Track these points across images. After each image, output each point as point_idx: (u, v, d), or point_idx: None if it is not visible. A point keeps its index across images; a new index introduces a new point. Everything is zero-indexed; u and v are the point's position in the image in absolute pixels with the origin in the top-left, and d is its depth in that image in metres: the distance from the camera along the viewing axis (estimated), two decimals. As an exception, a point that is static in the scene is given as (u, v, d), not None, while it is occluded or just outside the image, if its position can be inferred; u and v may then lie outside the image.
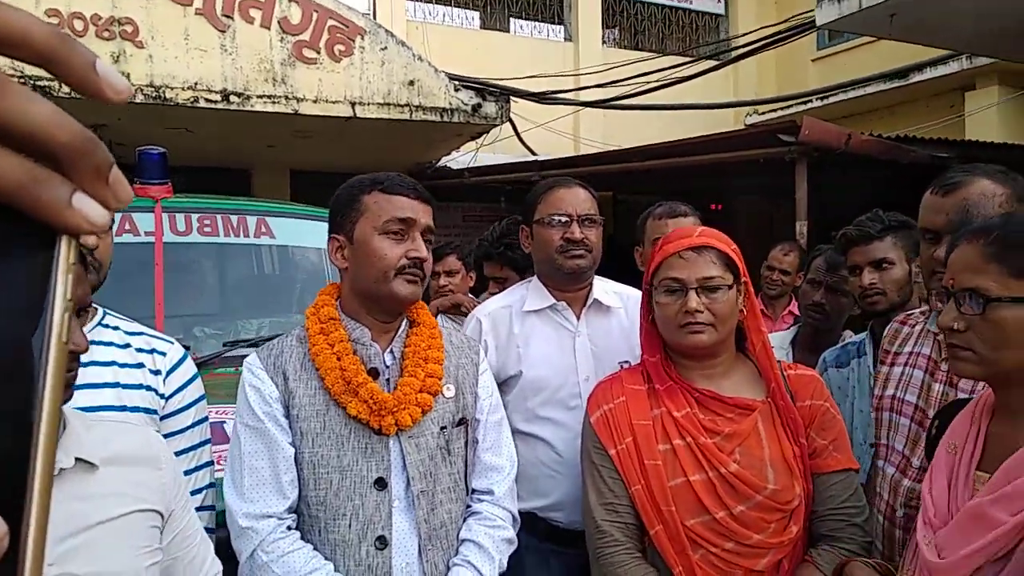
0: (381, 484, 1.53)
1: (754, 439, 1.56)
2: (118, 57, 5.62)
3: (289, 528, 1.53)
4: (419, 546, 1.54)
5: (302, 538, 1.54)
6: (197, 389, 1.62)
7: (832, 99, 8.86)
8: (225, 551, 1.49)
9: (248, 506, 1.51)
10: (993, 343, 1.20)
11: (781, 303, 3.81)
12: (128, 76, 5.63)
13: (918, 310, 1.93)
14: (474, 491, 1.68)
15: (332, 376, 1.54)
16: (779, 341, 2.82)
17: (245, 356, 2.84)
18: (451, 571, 1.56)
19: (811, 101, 9.02)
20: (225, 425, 2.19)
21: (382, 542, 1.52)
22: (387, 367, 1.60)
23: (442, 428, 1.60)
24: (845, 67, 9.24)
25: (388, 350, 1.62)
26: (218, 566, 1.41)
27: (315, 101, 6.31)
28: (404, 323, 1.67)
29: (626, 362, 1.97)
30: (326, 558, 1.52)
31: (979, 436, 1.27)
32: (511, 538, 1.66)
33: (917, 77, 8.27)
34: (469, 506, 1.67)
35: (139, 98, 5.69)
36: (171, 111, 5.92)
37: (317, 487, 1.53)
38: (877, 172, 5.92)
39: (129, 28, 5.60)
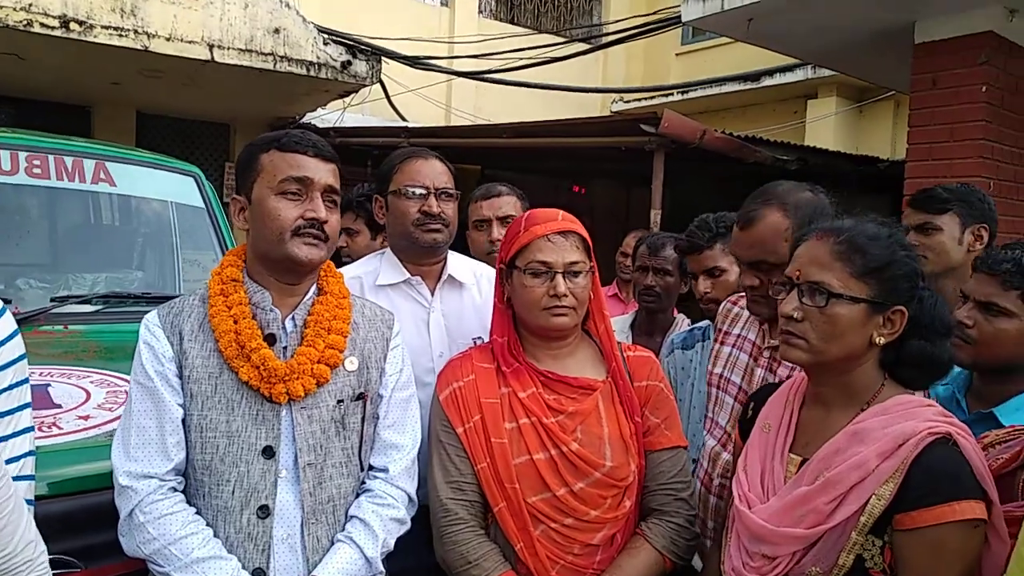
0: (269, 453, 1.50)
1: (594, 418, 1.64)
2: (-65, -35, 4.96)
3: (173, 490, 1.50)
4: (302, 519, 1.51)
5: (188, 502, 1.51)
6: (16, 347, 1.47)
7: (691, 94, 9.31)
8: (47, 526, 1.39)
9: (131, 464, 1.48)
10: (825, 335, 1.31)
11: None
12: (-53, -12, 4.99)
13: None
14: (370, 468, 1.64)
15: (226, 339, 1.51)
16: (620, 325, 2.98)
17: (76, 313, 2.68)
18: (333, 547, 1.54)
19: (673, 94, 9.44)
20: (50, 388, 2.04)
21: (264, 511, 1.49)
22: (287, 334, 1.56)
23: (339, 401, 1.56)
24: (705, 64, 9.72)
25: (290, 316, 1.58)
26: (32, 535, 1.32)
27: (168, 39, 5.87)
28: (312, 290, 1.62)
29: (479, 338, 2.00)
30: (208, 523, 1.49)
31: (791, 420, 1.41)
32: (401, 518, 1.62)
33: (767, 81, 8.86)
34: (363, 483, 1.63)
35: (-41, 15, 5.06)
36: (0, 33, 5.30)
37: (204, 451, 1.50)
38: (725, 167, 6.30)
39: (-50, -67, 4.96)
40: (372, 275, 2.02)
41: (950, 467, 1.21)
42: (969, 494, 1.19)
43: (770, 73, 8.73)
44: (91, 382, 2.14)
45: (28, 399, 1.51)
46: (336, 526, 1.57)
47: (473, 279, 2.11)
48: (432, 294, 2.03)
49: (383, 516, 1.58)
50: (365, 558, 1.54)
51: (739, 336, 1.97)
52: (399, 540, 1.65)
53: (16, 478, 1.41)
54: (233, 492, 1.49)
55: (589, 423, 1.63)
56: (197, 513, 1.50)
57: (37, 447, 1.53)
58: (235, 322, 1.52)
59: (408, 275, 2.01)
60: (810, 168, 6.24)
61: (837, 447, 1.29)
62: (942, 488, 1.19)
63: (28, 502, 1.44)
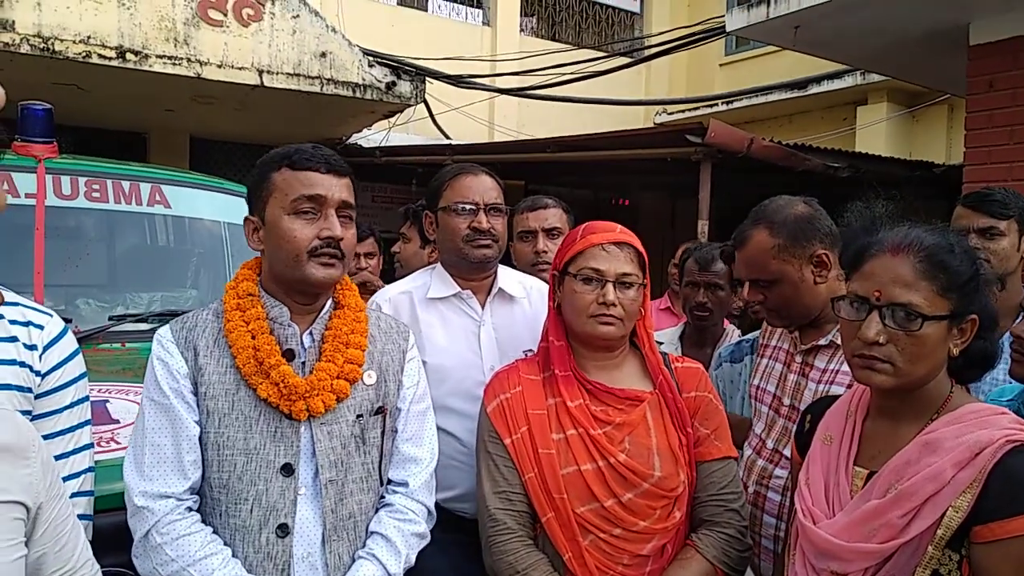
0: (288, 470, 1.48)
1: (642, 429, 1.61)
2: (2, 2, 5.19)
3: (189, 509, 1.47)
4: (323, 536, 1.49)
5: (204, 521, 1.48)
6: (78, 366, 1.52)
7: (736, 104, 9.21)
8: (102, 539, 1.42)
9: (146, 484, 1.44)
10: (913, 357, 1.24)
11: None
12: (12, 24, 5.23)
13: None
14: (390, 482, 1.62)
15: (244, 355, 1.48)
16: (669, 336, 2.94)
17: (133, 331, 2.76)
18: (355, 564, 1.51)
19: (717, 104, 9.34)
20: (108, 405, 2.09)
21: (283, 530, 1.46)
22: (305, 349, 1.54)
23: (358, 416, 1.54)
24: (749, 74, 9.61)
25: (308, 332, 1.55)
26: (89, 553, 1.34)
27: (220, 66, 6.04)
28: (328, 305, 1.60)
29: (530, 351, 1.99)
30: (226, 543, 1.47)
31: (855, 431, 1.36)
32: (422, 533, 1.60)
33: (815, 89, 8.70)
34: (383, 497, 1.61)
35: (24, 48, 5.28)
36: (60, 65, 5.53)
37: (221, 469, 1.47)
38: (774, 177, 6.20)
39: (15, -28, 5.19)
40: (423, 289, 2.03)
41: None
42: None
43: (817, 80, 8.57)
44: (148, 398, 2.19)
45: (89, 416, 1.55)
46: (357, 542, 1.54)
47: (523, 292, 2.10)
48: (483, 308, 2.03)
49: (404, 531, 1.56)
50: (388, 574, 1.51)
51: (775, 347, 2.01)
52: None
53: (76, 494, 1.46)
54: (252, 511, 1.46)
55: (637, 434, 1.61)
56: (214, 533, 1.47)
57: (96, 461, 1.57)
58: (253, 337, 1.49)
59: (459, 289, 2.02)
60: (862, 175, 6.10)
61: (908, 458, 1.24)
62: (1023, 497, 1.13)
63: (87, 517, 1.48)
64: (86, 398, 1.54)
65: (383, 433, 1.59)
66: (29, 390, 1.42)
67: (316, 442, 1.49)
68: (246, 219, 1.57)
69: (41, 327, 1.48)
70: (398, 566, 1.53)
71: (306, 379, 1.49)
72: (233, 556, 1.46)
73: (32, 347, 1.44)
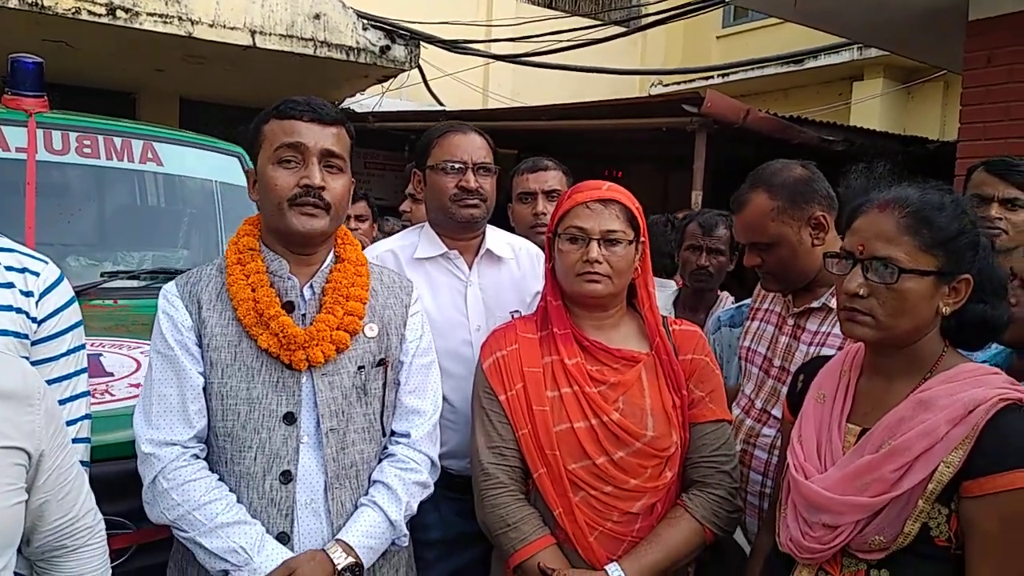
0: (290, 419, 1.51)
1: (637, 389, 1.63)
2: (-10, -46, 5.08)
3: (196, 457, 1.51)
4: (325, 483, 1.52)
5: (211, 469, 1.52)
6: (74, 314, 1.51)
7: (732, 77, 9.17)
8: (96, 489, 1.42)
9: (153, 432, 1.49)
10: (893, 311, 1.26)
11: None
12: (0, -24, 5.12)
13: None
14: (392, 433, 1.64)
15: (245, 307, 1.51)
16: (663, 301, 2.94)
17: (125, 288, 2.75)
18: (357, 510, 1.55)
19: (713, 77, 9.29)
20: (102, 358, 2.08)
21: (286, 476, 1.50)
22: (305, 301, 1.56)
23: (360, 367, 1.56)
24: (746, 47, 9.55)
25: (308, 284, 1.57)
26: (92, 503, 1.35)
27: (211, 25, 5.96)
28: (330, 258, 1.61)
29: (517, 312, 1.99)
30: (231, 489, 1.50)
31: (848, 390, 1.38)
32: (424, 482, 1.62)
33: (811, 63, 8.67)
34: (386, 448, 1.64)
35: (13, 3, 5.18)
36: (49, 21, 5.44)
37: (225, 418, 1.51)
38: (768, 149, 6.19)
39: (3, -77, 5.08)
40: (410, 248, 2.02)
41: (1022, 432, 1.17)
42: None
43: (814, 55, 8.53)
44: (141, 353, 2.18)
45: (84, 364, 1.55)
46: (359, 490, 1.57)
47: (512, 253, 2.10)
48: (470, 268, 2.03)
49: (406, 480, 1.59)
50: (389, 521, 1.54)
51: (767, 310, 2.04)
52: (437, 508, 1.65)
53: (73, 440, 1.46)
54: (255, 458, 1.50)
55: (631, 394, 1.62)
56: (220, 480, 1.51)
57: (91, 413, 1.58)
58: (253, 290, 1.52)
59: (446, 249, 2.01)
60: (856, 149, 6.10)
61: (902, 415, 1.26)
62: (1014, 454, 1.16)
63: (84, 464, 1.48)
64: (82, 346, 1.54)
65: (384, 385, 1.61)
66: (26, 336, 1.41)
67: (317, 392, 1.52)
68: (247, 172, 1.61)
69: (37, 274, 1.47)
70: (399, 513, 1.56)
71: (305, 330, 1.51)
72: (238, 502, 1.49)
73: (28, 293, 1.44)
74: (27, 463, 1.19)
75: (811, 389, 1.46)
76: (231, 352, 1.51)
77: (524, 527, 1.58)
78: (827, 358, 1.53)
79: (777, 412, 1.86)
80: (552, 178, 2.49)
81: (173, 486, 1.46)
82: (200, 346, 1.52)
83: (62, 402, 1.45)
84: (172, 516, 1.46)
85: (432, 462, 1.66)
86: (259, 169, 1.54)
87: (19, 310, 1.41)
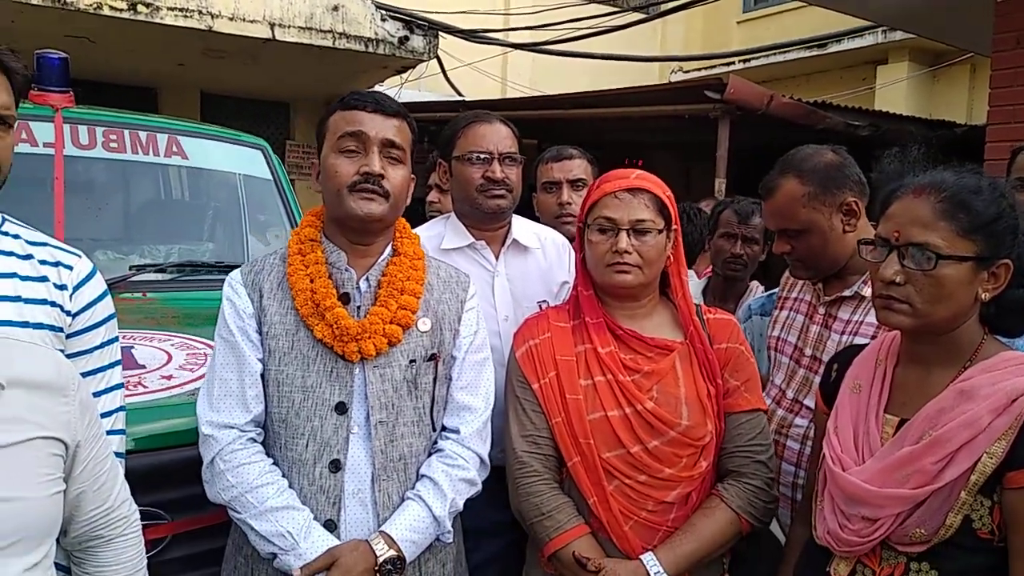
0: (341, 409, 1.53)
1: (671, 378, 1.61)
2: (14, -47, 5.13)
3: (252, 441, 1.55)
4: (373, 475, 1.54)
5: (266, 453, 1.56)
6: (107, 307, 1.53)
7: (753, 62, 9.06)
8: (130, 480, 1.44)
9: (213, 415, 1.54)
10: (931, 298, 1.24)
11: (706, 256, 3.93)
12: (24, -26, 5.16)
13: None
14: (443, 428, 1.65)
15: (302, 297, 1.54)
16: (693, 291, 2.91)
17: (153, 281, 2.77)
18: (402, 504, 1.56)
19: (734, 62, 9.19)
20: (133, 351, 2.10)
21: (335, 465, 1.52)
22: (361, 293, 1.58)
23: (411, 361, 1.57)
24: (767, 32, 9.44)
25: (364, 277, 1.59)
26: (127, 493, 1.37)
27: (231, 19, 5.97)
28: (387, 251, 1.63)
29: (544, 302, 1.98)
30: (284, 475, 1.53)
31: (885, 379, 1.35)
32: (472, 479, 1.62)
33: (834, 47, 8.54)
34: (435, 443, 1.64)
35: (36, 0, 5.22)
36: (71, 16, 5.48)
37: (280, 404, 1.54)
38: (793, 136, 6.11)
39: (26, -78, 5.11)
40: (437, 239, 2.02)
41: None
42: None
43: (837, 39, 8.40)
44: (172, 345, 2.21)
45: (119, 356, 1.56)
46: (407, 483, 1.58)
47: (538, 243, 2.09)
48: (497, 258, 2.02)
49: (453, 476, 1.59)
50: (433, 516, 1.55)
51: (796, 299, 2.01)
52: (470, 499, 1.65)
53: (108, 432, 1.47)
54: (307, 445, 1.52)
55: (666, 383, 1.61)
56: (274, 464, 1.54)
57: (125, 405, 1.59)
58: (311, 281, 1.55)
59: (472, 239, 2.00)
60: (883, 134, 6.01)
61: (943, 405, 1.23)
62: None
63: (119, 455, 1.50)
64: (116, 338, 1.55)
65: (435, 380, 1.61)
66: (60, 330, 1.42)
67: (368, 384, 1.54)
68: (312, 163, 1.66)
69: (70, 267, 1.48)
70: (443, 509, 1.56)
71: (359, 322, 1.53)
72: (289, 487, 1.52)
73: (62, 287, 1.45)
74: (64, 453, 1.20)
75: (846, 379, 1.43)
76: (288, 340, 1.54)
77: (559, 516, 1.58)
78: (861, 347, 1.51)
79: (809, 402, 1.83)
80: (577, 167, 2.46)
81: (229, 467, 1.50)
82: (260, 333, 1.56)
83: (97, 394, 1.46)
84: (227, 497, 1.51)
85: (481, 460, 1.65)
86: (322, 159, 1.58)
87: (53, 303, 1.42)
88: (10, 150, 1.40)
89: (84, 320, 1.47)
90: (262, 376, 1.55)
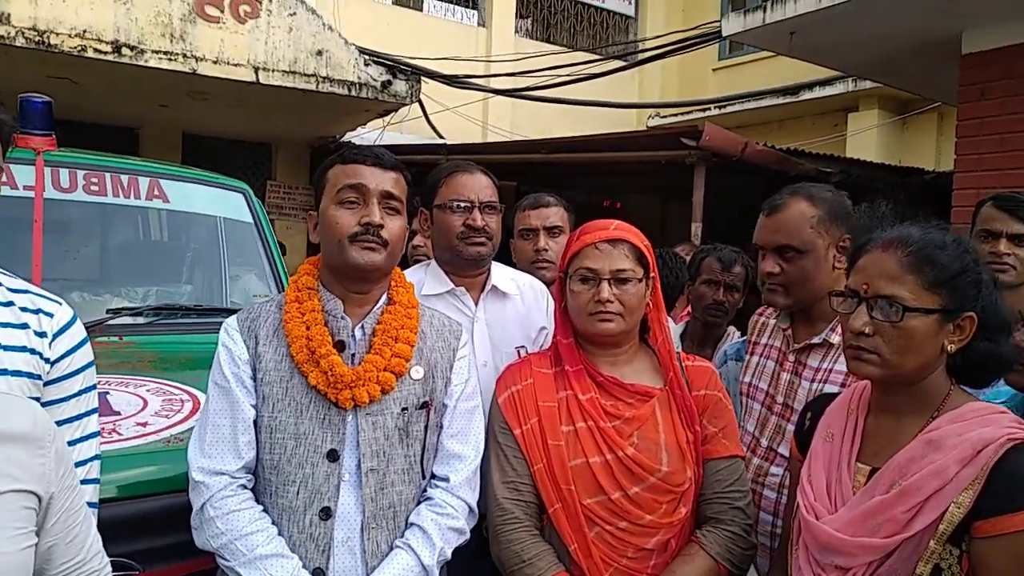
0: (333, 456, 1.53)
1: (651, 424, 1.63)
2: (-4, -6, 5.17)
3: (243, 487, 1.55)
4: (363, 523, 1.54)
5: (257, 500, 1.56)
6: (86, 355, 1.52)
7: (729, 109, 9.27)
8: (103, 529, 1.42)
9: (204, 461, 1.54)
10: (899, 349, 1.28)
11: (683, 301, 3.98)
12: (8, 17, 5.20)
13: None
14: (433, 476, 1.66)
15: (298, 344, 1.56)
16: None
17: (130, 324, 2.75)
18: (391, 552, 1.56)
19: (710, 109, 9.40)
20: (109, 396, 2.08)
21: (326, 513, 1.52)
22: (356, 341, 1.60)
23: (403, 409, 1.59)
24: (742, 80, 9.68)
25: (360, 325, 1.61)
26: (99, 545, 1.34)
27: (216, 62, 6.03)
28: (383, 299, 1.65)
29: (522, 347, 2.01)
30: (273, 522, 1.53)
31: (856, 428, 1.38)
32: (460, 528, 1.62)
33: (807, 95, 8.78)
34: (425, 491, 1.65)
35: (19, 41, 5.25)
36: (55, 59, 5.50)
37: (272, 451, 1.54)
38: (765, 181, 6.25)
39: (11, -35, 5.17)
40: (418, 285, 2.02)
41: None
42: None
43: (810, 87, 8.65)
44: (147, 391, 2.19)
45: (96, 405, 1.55)
46: (396, 532, 1.58)
47: (517, 289, 2.12)
48: (476, 304, 2.04)
49: (442, 525, 1.59)
50: (422, 565, 1.54)
51: (766, 345, 2.03)
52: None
53: (83, 481, 1.45)
54: (298, 493, 1.52)
55: (646, 429, 1.62)
56: (264, 511, 1.54)
57: (99, 453, 1.57)
58: (307, 328, 1.57)
59: (452, 286, 2.03)
60: (853, 180, 6.16)
61: (912, 455, 1.26)
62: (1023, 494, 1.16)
63: (92, 505, 1.48)
64: (94, 386, 1.54)
65: (427, 427, 1.63)
66: (39, 377, 1.41)
67: (360, 431, 1.55)
68: (308, 214, 1.70)
69: (51, 315, 1.48)
70: (432, 558, 1.56)
71: (353, 370, 1.55)
72: (279, 535, 1.51)
73: (42, 334, 1.44)
74: (37, 506, 1.18)
75: (819, 428, 1.46)
76: (283, 387, 1.56)
77: (539, 563, 1.58)
78: (833, 395, 1.54)
79: (783, 450, 1.85)
80: (553, 214, 2.49)
81: (219, 514, 1.50)
82: (254, 379, 1.57)
83: (72, 443, 1.45)
84: (216, 544, 1.50)
85: (470, 508, 1.66)
86: (321, 210, 1.61)
87: (33, 351, 1.42)
88: None
89: (63, 368, 1.46)
90: (255, 423, 1.56)
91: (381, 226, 1.57)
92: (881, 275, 1.30)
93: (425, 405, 1.62)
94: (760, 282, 1.94)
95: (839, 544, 1.27)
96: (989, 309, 1.30)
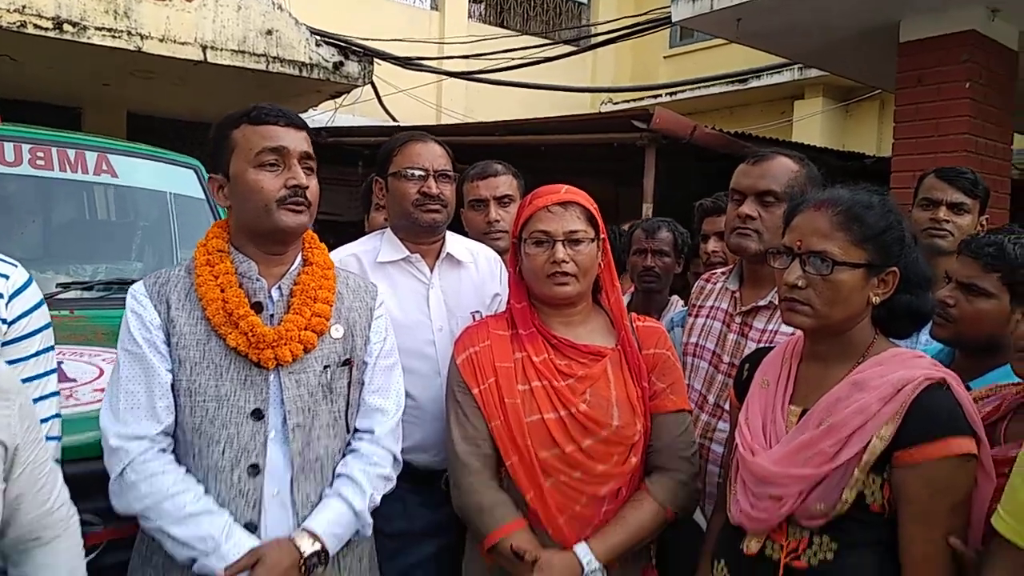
0: (258, 415, 1.55)
1: (603, 382, 1.70)
2: (-70, -34, 4.97)
3: (163, 451, 1.54)
4: (292, 476, 1.57)
5: (178, 462, 1.55)
6: (43, 316, 1.52)
7: (679, 95, 9.44)
8: (68, 485, 1.43)
9: (121, 427, 1.51)
10: (829, 300, 1.38)
11: (625, 278, 4.09)
12: (-57, -10, 5.01)
13: (720, 270, 2.25)
14: (356, 430, 1.69)
15: (214, 307, 1.55)
16: None
17: (80, 299, 2.72)
18: (322, 501, 1.59)
19: (661, 95, 9.56)
20: (63, 365, 2.06)
21: (254, 469, 1.54)
22: (273, 302, 1.60)
23: (325, 367, 1.61)
24: (693, 67, 9.86)
25: (276, 286, 1.62)
26: (66, 495, 1.36)
27: (162, 40, 5.90)
28: (298, 261, 1.66)
29: (477, 313, 2.06)
30: (198, 481, 1.53)
31: (790, 375, 1.48)
32: (387, 475, 1.68)
33: (754, 83, 9.00)
34: (350, 444, 1.68)
35: (-45, 15, 5.07)
36: (-7, 34, 5.32)
37: (193, 414, 1.54)
38: (714, 164, 6.40)
39: (-54, -64, 4.98)
40: (372, 253, 2.07)
41: (945, 407, 1.29)
42: (962, 431, 1.27)
43: (757, 75, 8.86)
44: (103, 360, 2.18)
45: (54, 365, 1.56)
46: (324, 483, 1.62)
47: (471, 257, 2.16)
48: (431, 271, 2.08)
49: (370, 473, 1.64)
50: (354, 511, 1.60)
51: (711, 307, 2.11)
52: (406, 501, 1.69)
53: (46, 438, 1.46)
54: (223, 452, 1.53)
55: (598, 387, 1.69)
56: (188, 472, 1.54)
57: (60, 412, 1.58)
58: (222, 291, 1.56)
59: (408, 253, 2.06)
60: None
61: (838, 396, 1.36)
62: (938, 426, 1.27)
63: (56, 462, 1.49)
64: (51, 347, 1.55)
65: (349, 384, 1.66)
66: (-4, 337, 1.42)
67: (284, 389, 1.56)
68: (210, 177, 1.64)
69: (6, 276, 1.48)
70: (364, 503, 1.61)
71: (274, 329, 1.55)
72: (205, 493, 1.52)
73: (-1, 295, 1.44)
74: (3, 455, 1.20)
75: (756, 376, 1.56)
76: (200, 350, 1.55)
77: (497, 511, 1.64)
78: (769, 348, 1.64)
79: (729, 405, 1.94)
80: (503, 183, 2.50)
81: (141, 478, 1.49)
82: (168, 344, 1.55)
83: (34, 401, 1.45)
84: (139, 507, 1.49)
85: (395, 457, 1.71)
86: (235, 173, 1.57)
87: (-10, 311, 1.42)
88: None
89: (20, 328, 1.47)
90: (172, 387, 1.54)
91: (307, 187, 1.57)
92: (813, 232, 1.39)
93: (347, 362, 1.65)
94: (729, 229, 1.99)
95: (773, 476, 1.37)
96: (911, 265, 1.41)
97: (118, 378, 1.55)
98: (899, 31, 4.82)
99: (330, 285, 1.66)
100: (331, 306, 1.63)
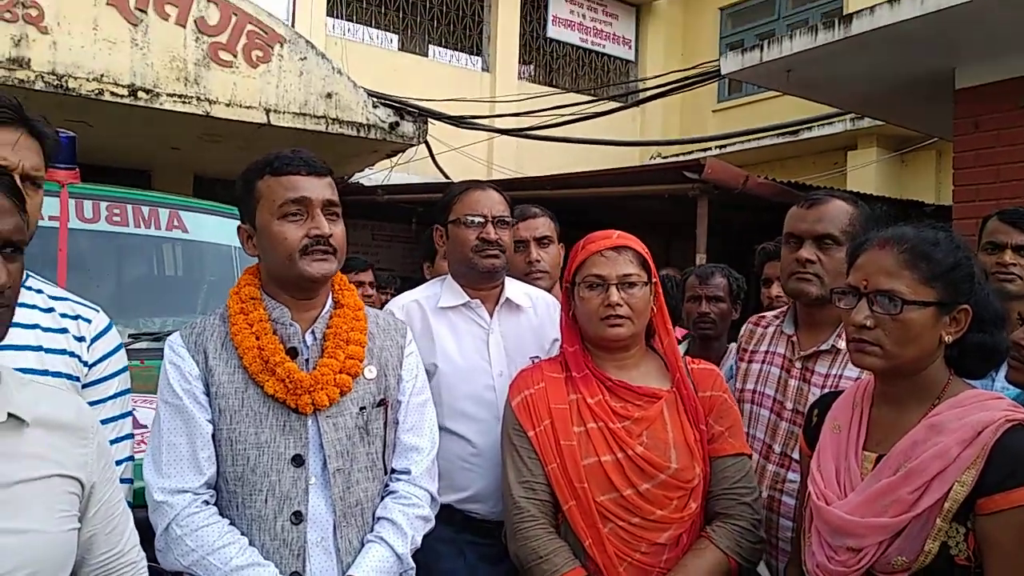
0: (298, 461, 1.56)
1: (659, 424, 1.69)
2: (19, 41, 5.36)
3: (206, 503, 1.55)
4: (334, 523, 1.57)
5: (221, 513, 1.56)
6: (121, 359, 1.59)
7: (729, 148, 9.42)
8: (140, 527, 1.47)
9: (164, 481, 1.53)
10: (899, 340, 1.35)
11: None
12: (28, 61, 5.39)
13: (771, 313, 2.20)
14: (393, 471, 1.70)
15: (250, 355, 1.56)
16: None
17: (150, 349, 2.82)
18: (365, 547, 1.59)
19: (710, 148, 9.57)
20: (135, 411, 2.13)
21: (297, 517, 1.54)
22: (307, 347, 1.62)
23: (361, 408, 1.62)
24: (742, 119, 9.85)
25: (309, 331, 1.63)
26: (136, 539, 1.39)
27: (228, 104, 6.20)
28: (328, 304, 1.68)
29: (536, 357, 2.06)
30: (243, 533, 1.54)
31: (863, 419, 1.44)
32: (426, 516, 1.68)
33: (806, 134, 8.94)
34: (387, 485, 1.69)
35: (39, 85, 5.43)
36: (72, 102, 5.67)
37: (235, 463, 1.55)
38: (768, 215, 6.35)
39: (33, 12, 5.37)
40: (433, 299, 2.11)
41: None
42: None
43: (809, 126, 8.81)
44: (171, 408, 2.25)
45: (130, 408, 1.62)
46: (365, 528, 1.62)
47: (529, 302, 2.18)
48: (491, 316, 2.11)
49: (409, 515, 1.63)
50: (396, 555, 1.59)
51: (767, 352, 2.06)
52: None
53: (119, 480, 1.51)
54: (266, 501, 1.54)
55: (655, 429, 1.68)
56: (232, 523, 1.54)
57: (133, 456, 1.63)
58: (257, 338, 1.58)
59: (468, 298, 2.09)
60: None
61: (916, 439, 1.32)
62: (1023, 470, 1.22)
63: (127, 503, 1.53)
64: (128, 390, 1.61)
65: (385, 424, 1.67)
66: (77, 379, 1.49)
67: (323, 434, 1.57)
68: (239, 228, 1.67)
69: (89, 320, 1.56)
70: (405, 546, 1.61)
71: (310, 374, 1.57)
72: (250, 544, 1.52)
73: (81, 339, 1.52)
74: (80, 492, 1.24)
75: (826, 421, 1.52)
76: (239, 399, 1.56)
77: (556, 559, 1.62)
78: (839, 393, 1.60)
79: (798, 455, 1.88)
80: (541, 225, 2.55)
81: (187, 532, 1.50)
82: (207, 394, 1.57)
83: (110, 443, 1.50)
84: (186, 562, 1.50)
85: (432, 496, 1.71)
86: (261, 225, 1.59)
87: (72, 354, 1.49)
88: (39, 209, 1.49)
89: (100, 371, 1.54)
90: (213, 437, 1.56)
91: (330, 235, 1.58)
92: (879, 271, 1.37)
93: (382, 403, 1.66)
94: (787, 274, 1.97)
95: (850, 526, 1.32)
96: (982, 302, 1.37)
97: (159, 431, 1.56)
98: (954, 78, 4.78)
99: (362, 326, 1.67)
100: (363, 347, 1.64)
